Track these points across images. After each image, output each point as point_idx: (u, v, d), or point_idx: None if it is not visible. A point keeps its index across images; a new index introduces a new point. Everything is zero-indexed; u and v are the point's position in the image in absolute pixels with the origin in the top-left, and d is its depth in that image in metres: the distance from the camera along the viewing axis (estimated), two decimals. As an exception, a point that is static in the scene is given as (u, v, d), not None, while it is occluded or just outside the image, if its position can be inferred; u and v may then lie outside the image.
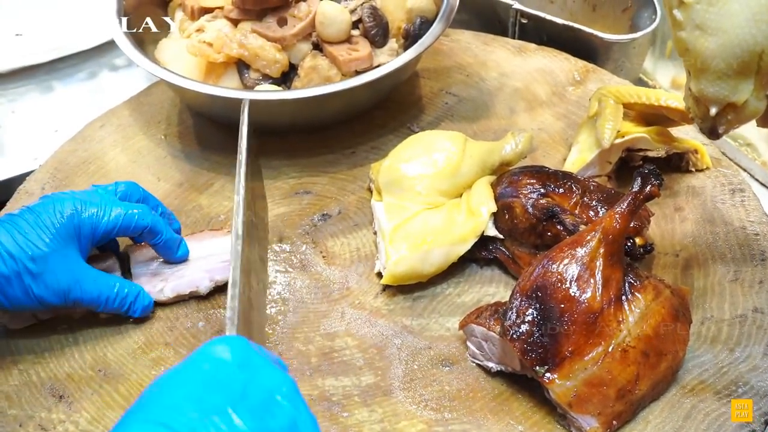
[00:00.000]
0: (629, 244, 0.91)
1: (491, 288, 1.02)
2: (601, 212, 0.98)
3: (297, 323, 0.98)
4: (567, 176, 1.02)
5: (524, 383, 0.90)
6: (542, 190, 0.99)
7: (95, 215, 0.93)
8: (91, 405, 0.90)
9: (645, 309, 0.87)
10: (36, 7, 1.51)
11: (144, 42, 1.24)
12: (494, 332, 0.89)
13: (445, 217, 1.02)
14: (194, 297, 1.00)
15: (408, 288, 1.01)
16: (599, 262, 0.87)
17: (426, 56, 1.19)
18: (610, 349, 0.84)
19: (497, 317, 0.90)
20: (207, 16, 1.22)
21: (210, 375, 0.57)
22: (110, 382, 0.93)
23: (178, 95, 1.26)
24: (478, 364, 0.93)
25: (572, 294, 0.86)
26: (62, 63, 1.45)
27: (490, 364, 0.92)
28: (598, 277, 0.86)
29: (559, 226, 0.96)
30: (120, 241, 1.03)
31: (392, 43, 1.21)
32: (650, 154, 1.10)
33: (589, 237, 0.88)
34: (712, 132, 0.77)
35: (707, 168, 1.12)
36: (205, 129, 1.24)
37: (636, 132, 1.08)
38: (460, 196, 1.05)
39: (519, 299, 0.87)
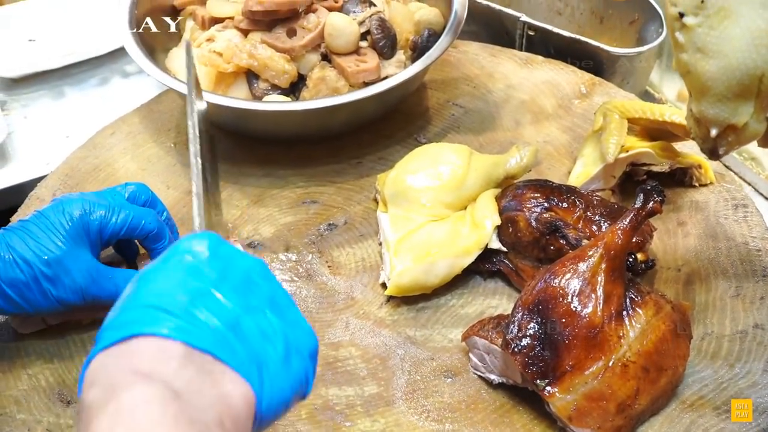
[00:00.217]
0: (631, 259, 0.92)
1: (494, 300, 1.03)
2: (603, 227, 0.99)
3: (302, 332, 0.99)
4: (570, 190, 1.03)
5: (525, 396, 0.91)
6: (546, 204, 1.00)
7: (103, 217, 0.95)
8: (99, 411, 0.92)
9: (646, 324, 0.88)
10: (49, 13, 1.52)
11: (155, 50, 1.25)
12: (496, 345, 0.90)
13: (450, 229, 1.03)
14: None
15: (412, 299, 1.02)
16: (601, 278, 0.88)
17: (434, 67, 1.20)
18: (610, 364, 0.85)
19: (499, 330, 0.91)
20: (217, 26, 1.24)
21: (191, 264, 0.61)
22: (117, 388, 0.94)
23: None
24: (480, 376, 0.94)
25: (573, 309, 0.87)
26: (74, 69, 1.47)
27: (492, 377, 0.93)
28: (600, 292, 0.88)
29: (562, 241, 0.97)
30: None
31: (400, 55, 1.23)
32: (654, 168, 1.11)
33: (591, 252, 0.89)
34: (712, 153, 0.78)
35: (711, 183, 1.13)
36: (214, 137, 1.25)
37: (640, 147, 1.09)
38: (465, 208, 1.06)
39: (521, 313, 0.89)
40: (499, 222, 1.02)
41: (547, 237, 0.98)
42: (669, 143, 1.11)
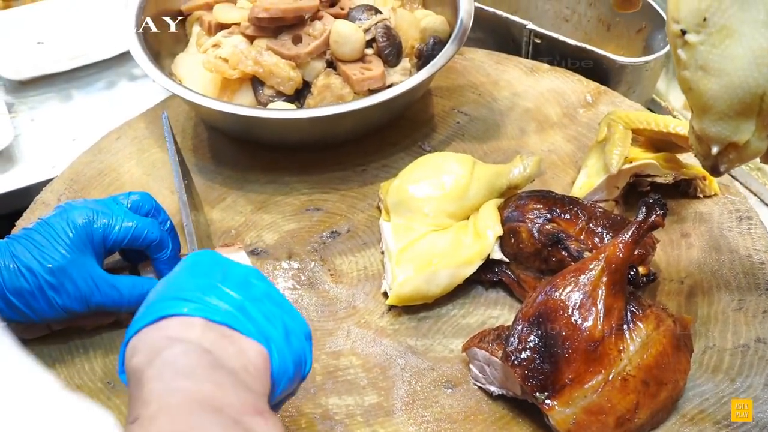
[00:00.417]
0: (632, 273, 0.92)
1: (496, 310, 1.03)
2: (606, 239, 0.98)
3: (303, 341, 1.00)
4: (573, 202, 1.03)
5: (525, 408, 0.91)
6: (548, 216, 1.00)
7: (107, 225, 0.96)
8: (100, 417, 0.92)
9: (646, 338, 0.88)
10: (57, 16, 1.53)
11: (160, 55, 1.26)
12: (496, 357, 0.90)
13: (452, 239, 1.03)
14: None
15: (413, 308, 1.03)
16: (601, 291, 0.88)
17: (439, 74, 1.20)
18: (610, 378, 0.85)
19: (500, 342, 0.91)
20: (223, 32, 1.24)
21: (198, 269, 0.72)
22: (119, 395, 0.95)
23: (192, 109, 1.27)
24: (480, 387, 0.95)
25: (574, 322, 0.87)
26: (82, 72, 1.47)
27: (492, 388, 0.93)
28: (600, 305, 0.87)
29: (563, 252, 0.97)
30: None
31: (405, 63, 1.23)
32: (658, 179, 1.10)
33: (592, 265, 0.89)
34: (713, 170, 0.77)
35: (715, 194, 1.12)
36: (219, 143, 1.26)
37: (644, 158, 1.09)
38: (468, 218, 1.06)
39: (521, 325, 0.89)
40: (501, 232, 1.02)
41: (549, 248, 0.98)
42: (673, 154, 1.11)
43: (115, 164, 1.22)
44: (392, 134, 1.25)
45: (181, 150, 1.11)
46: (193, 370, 0.63)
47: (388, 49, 1.20)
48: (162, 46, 1.27)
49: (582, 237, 0.99)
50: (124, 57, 1.46)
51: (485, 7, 1.40)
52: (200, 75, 1.21)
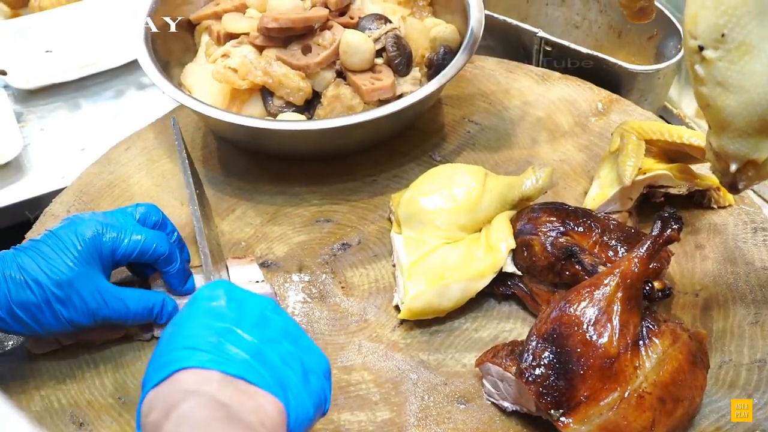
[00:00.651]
0: (647, 288, 0.90)
1: (509, 324, 1.02)
2: (620, 252, 0.97)
3: (314, 355, 0.99)
4: (586, 214, 1.01)
5: (539, 425, 0.90)
6: (561, 229, 0.99)
7: (116, 239, 0.95)
8: (110, 434, 0.92)
9: (662, 354, 0.87)
10: (66, 25, 1.53)
11: (170, 65, 1.25)
12: (510, 373, 0.89)
13: (464, 252, 1.02)
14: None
15: (425, 322, 1.02)
16: (617, 307, 0.87)
17: (449, 83, 1.19)
18: (626, 395, 0.84)
19: (513, 357, 0.90)
20: (233, 42, 1.23)
21: (212, 309, 0.71)
22: (129, 410, 0.94)
23: (202, 120, 1.27)
24: (493, 403, 0.94)
25: (589, 338, 0.86)
26: (90, 81, 1.47)
27: (506, 404, 0.92)
28: (616, 321, 0.86)
29: (577, 266, 0.96)
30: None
31: (415, 72, 1.22)
32: (672, 190, 1.09)
33: (607, 281, 0.88)
34: (732, 187, 0.76)
35: (729, 205, 1.11)
36: (228, 154, 1.25)
37: (658, 169, 1.08)
38: (480, 230, 1.05)
39: (535, 341, 0.88)
40: (514, 245, 1.01)
41: (563, 262, 0.97)
42: (687, 165, 1.10)
43: (125, 175, 1.22)
44: (402, 144, 1.24)
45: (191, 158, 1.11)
46: (210, 423, 0.63)
47: (398, 58, 1.19)
48: (171, 56, 1.27)
49: (596, 250, 0.98)
50: (133, 66, 1.45)
51: (495, 15, 1.39)
52: (209, 85, 1.20)
